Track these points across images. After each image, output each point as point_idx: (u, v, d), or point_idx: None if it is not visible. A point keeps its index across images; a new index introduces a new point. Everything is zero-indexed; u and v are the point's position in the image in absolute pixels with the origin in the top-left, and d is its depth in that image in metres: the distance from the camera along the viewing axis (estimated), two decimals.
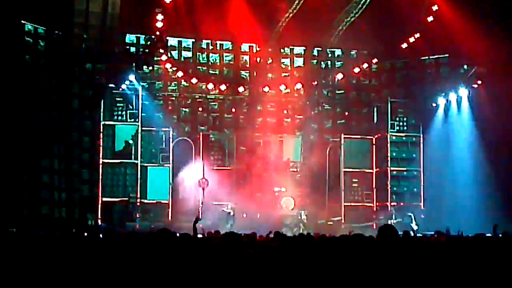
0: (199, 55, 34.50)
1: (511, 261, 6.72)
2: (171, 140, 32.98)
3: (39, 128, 30.74)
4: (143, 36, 33.02)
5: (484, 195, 29.64)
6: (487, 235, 16.98)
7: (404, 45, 32.96)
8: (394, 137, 34.22)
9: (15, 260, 8.17)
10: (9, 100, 28.34)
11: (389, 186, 33.80)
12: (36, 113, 30.69)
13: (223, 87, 33.70)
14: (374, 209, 33.75)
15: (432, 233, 20.77)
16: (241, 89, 34.01)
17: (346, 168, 34.26)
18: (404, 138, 34.50)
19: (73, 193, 31.57)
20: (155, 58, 32.82)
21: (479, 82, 31.77)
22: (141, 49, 33.23)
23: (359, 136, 34.83)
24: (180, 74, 33.12)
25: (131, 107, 32.47)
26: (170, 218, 31.49)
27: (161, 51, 32.70)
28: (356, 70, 34.83)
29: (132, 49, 33.43)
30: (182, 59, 34.13)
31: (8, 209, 26.86)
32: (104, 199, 31.54)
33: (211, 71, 34.38)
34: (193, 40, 34.05)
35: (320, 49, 35.12)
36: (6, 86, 28.02)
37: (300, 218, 30.74)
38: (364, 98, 36.11)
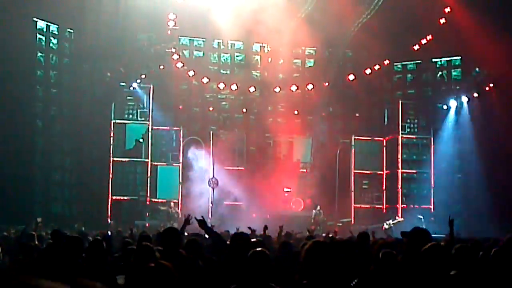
0: (210, 54, 34.53)
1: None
2: (181, 139, 33.02)
3: (50, 125, 30.90)
4: (155, 34, 33.12)
5: (494, 199, 29.54)
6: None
7: (416, 47, 32.86)
8: (405, 139, 34.11)
9: None
10: (21, 98, 28.47)
11: (399, 188, 33.69)
12: (48, 111, 30.84)
13: (234, 86, 33.66)
14: (384, 211, 33.66)
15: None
16: (252, 89, 33.96)
17: (357, 169, 34.20)
18: (415, 140, 34.40)
19: (84, 191, 31.70)
20: (167, 57, 32.89)
21: (491, 85, 31.65)
22: (152, 48, 33.32)
23: (369, 138, 34.74)
24: (191, 73, 33.14)
25: (142, 106, 32.54)
26: (179, 216, 31.48)
27: (173, 50, 32.77)
28: (368, 71, 34.77)
29: (144, 48, 33.48)
30: (194, 58, 34.15)
31: (20, 206, 26.98)
32: (114, 197, 31.60)
33: (222, 71, 34.39)
34: (205, 39, 34.08)
35: (332, 50, 35.08)
36: (18, 83, 28.14)
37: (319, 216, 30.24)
38: (375, 99, 36.01)
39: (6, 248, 12.92)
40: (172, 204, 30.34)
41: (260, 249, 6.35)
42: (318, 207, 30.39)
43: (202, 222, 9.22)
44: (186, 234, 11.05)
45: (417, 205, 33.20)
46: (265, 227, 15.39)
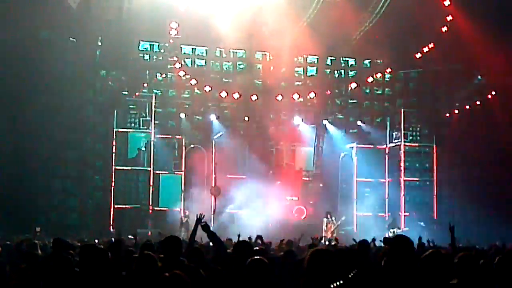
0: (212, 63, 34.51)
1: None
2: (183, 148, 33.02)
3: (53, 134, 30.90)
4: (157, 43, 33.15)
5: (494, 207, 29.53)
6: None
7: (418, 55, 32.88)
8: (407, 147, 34.12)
9: None
10: (24, 106, 28.52)
11: (402, 196, 33.66)
12: (51, 119, 30.84)
13: (236, 95, 33.65)
14: (386, 218, 33.60)
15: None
16: (254, 97, 33.93)
17: (359, 177, 34.19)
18: (417, 148, 34.41)
19: (86, 200, 31.70)
20: (169, 66, 32.92)
21: (493, 92, 31.66)
22: (155, 57, 33.35)
23: (372, 146, 34.74)
24: (193, 82, 33.15)
25: (144, 115, 32.57)
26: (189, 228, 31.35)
27: (175, 58, 32.79)
28: (370, 79, 34.77)
29: (146, 56, 33.52)
30: (196, 67, 34.14)
31: (22, 214, 27.01)
32: (116, 206, 31.59)
33: (224, 79, 34.36)
34: (207, 48, 34.08)
35: (334, 58, 35.08)
36: (21, 92, 28.20)
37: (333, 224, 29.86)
38: (377, 107, 35.99)
39: (7, 256, 12.90)
40: (187, 212, 30.27)
41: (258, 257, 6.35)
42: (329, 215, 30.04)
43: (205, 226, 9.47)
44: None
45: (420, 212, 33.19)
46: (260, 238, 15.51)
